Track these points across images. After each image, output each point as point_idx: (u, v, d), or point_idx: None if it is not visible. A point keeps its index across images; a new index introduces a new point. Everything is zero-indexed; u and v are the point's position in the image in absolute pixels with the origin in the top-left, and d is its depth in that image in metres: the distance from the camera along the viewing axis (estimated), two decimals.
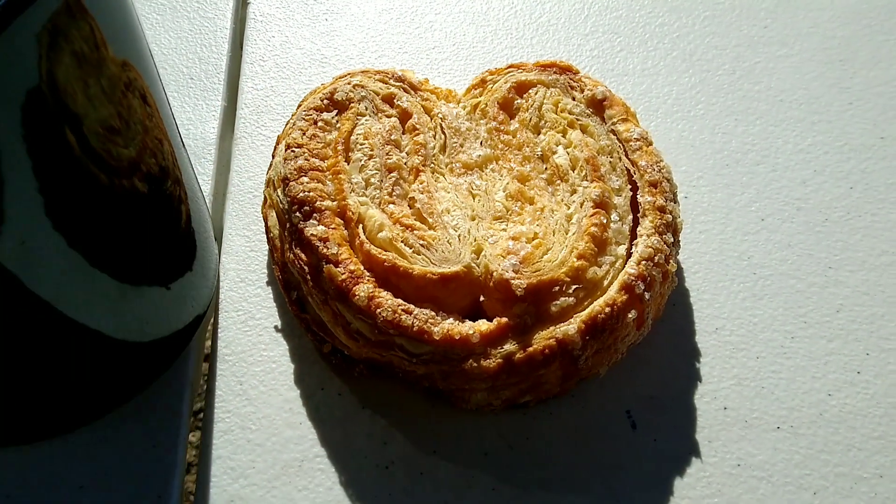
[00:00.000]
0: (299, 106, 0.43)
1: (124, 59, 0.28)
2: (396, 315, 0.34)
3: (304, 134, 0.40)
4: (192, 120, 0.47)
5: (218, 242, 0.42)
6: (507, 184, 0.39)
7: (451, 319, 0.35)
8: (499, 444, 0.36)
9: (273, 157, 0.42)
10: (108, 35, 0.27)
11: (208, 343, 0.39)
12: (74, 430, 0.35)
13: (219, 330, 0.39)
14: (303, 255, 0.37)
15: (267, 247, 0.42)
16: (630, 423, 0.37)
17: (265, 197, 0.41)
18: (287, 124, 0.42)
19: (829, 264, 0.42)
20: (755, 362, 0.38)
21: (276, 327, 0.39)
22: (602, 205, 0.38)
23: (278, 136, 0.42)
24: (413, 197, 0.38)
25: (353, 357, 0.37)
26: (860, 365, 0.38)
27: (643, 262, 0.36)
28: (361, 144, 0.40)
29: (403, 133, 0.41)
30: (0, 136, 0.25)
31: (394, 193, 0.39)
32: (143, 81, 0.30)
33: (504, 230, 0.38)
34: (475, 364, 0.34)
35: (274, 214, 0.40)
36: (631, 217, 0.39)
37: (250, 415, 0.36)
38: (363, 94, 0.42)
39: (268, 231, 0.40)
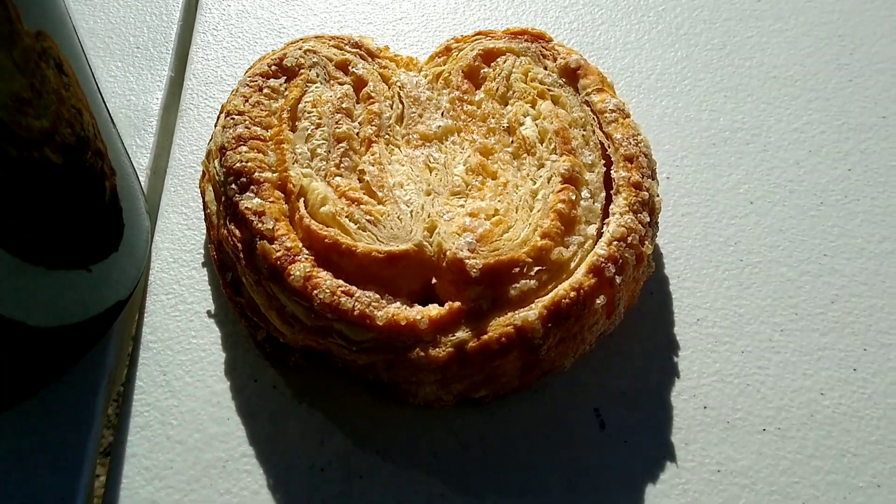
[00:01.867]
0: (246, 73, 0.39)
1: (39, 30, 0.26)
2: (335, 297, 0.31)
3: (246, 101, 0.36)
4: (136, 90, 0.43)
5: (153, 220, 0.38)
6: (469, 157, 0.36)
7: (397, 303, 0.31)
8: (450, 444, 0.32)
9: (215, 127, 0.38)
10: (21, 7, 0.25)
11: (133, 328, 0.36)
12: None
13: (145, 314, 0.35)
14: (237, 231, 0.33)
15: (204, 226, 0.38)
16: (598, 422, 0.33)
17: (203, 170, 0.37)
18: (232, 92, 0.38)
19: (824, 251, 0.38)
20: (740, 357, 0.35)
21: (208, 312, 0.35)
22: (571, 180, 0.34)
23: (222, 105, 0.38)
24: (363, 169, 0.35)
25: (288, 345, 0.33)
26: (856, 361, 0.35)
27: (615, 243, 0.33)
28: (309, 113, 0.36)
29: (357, 102, 0.38)
30: None
31: (342, 165, 0.35)
32: (60, 50, 0.28)
33: (462, 206, 0.34)
34: (423, 353, 0.30)
35: (212, 189, 0.36)
36: (604, 195, 0.35)
37: (172, 408, 0.32)
38: (315, 59, 0.38)
39: (205, 207, 0.37)
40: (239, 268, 0.33)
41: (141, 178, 0.40)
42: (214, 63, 0.45)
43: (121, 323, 0.35)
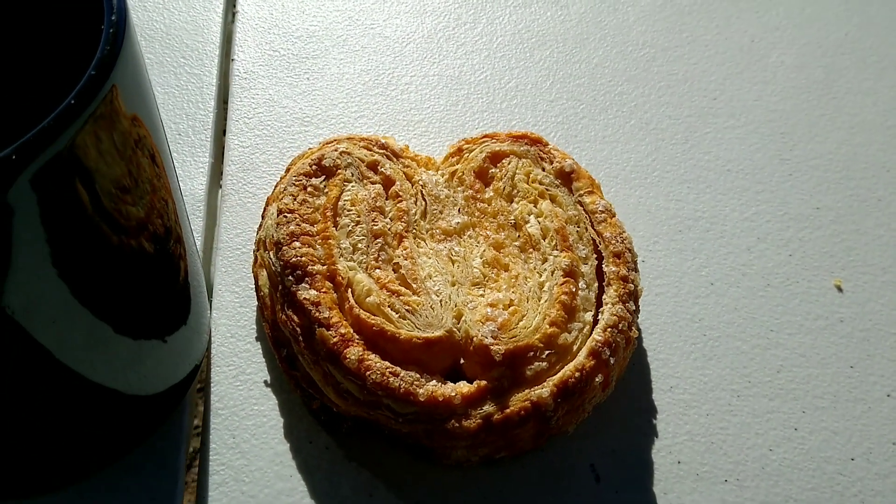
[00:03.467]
0: (288, 169, 0.45)
1: (134, 115, 0.29)
2: (385, 377, 0.37)
3: (294, 199, 0.43)
4: (182, 176, 0.49)
5: (209, 298, 0.44)
6: (484, 251, 0.43)
7: (434, 381, 0.38)
8: (475, 497, 0.39)
9: (263, 217, 0.44)
10: (122, 91, 0.27)
11: (202, 397, 0.42)
12: (76, 483, 0.37)
13: (211, 384, 0.41)
14: (295, 317, 0.39)
15: (255, 303, 0.44)
16: (594, 476, 0.40)
17: (256, 257, 0.44)
18: (277, 187, 0.45)
19: (771, 327, 0.46)
20: (705, 419, 0.42)
21: (265, 382, 0.42)
22: (571, 273, 0.41)
23: (268, 198, 0.45)
24: (397, 262, 0.41)
25: (341, 414, 0.39)
26: (797, 422, 0.43)
27: (609, 329, 0.40)
28: (349, 210, 0.43)
29: (387, 199, 0.44)
30: (12, 201, 0.25)
31: (379, 258, 0.41)
32: (152, 140, 0.31)
33: (482, 296, 0.41)
34: (457, 424, 0.37)
35: (265, 274, 0.43)
36: (597, 285, 0.42)
37: (243, 467, 0.39)
38: (349, 160, 0.45)
39: (258, 290, 0.43)
40: (297, 348, 0.40)
41: None
42: (250, 150, 0.51)
43: (192, 391, 0.40)
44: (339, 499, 0.38)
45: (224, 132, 0.52)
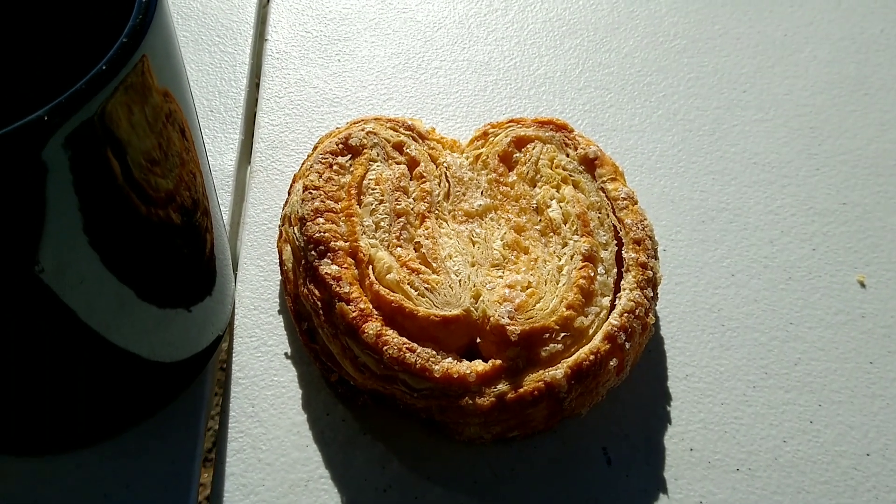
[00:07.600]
0: (315, 148, 0.46)
1: (165, 89, 0.30)
2: (401, 353, 0.38)
3: (320, 176, 0.43)
4: (212, 151, 0.50)
5: (234, 271, 0.45)
6: (505, 233, 0.43)
7: (449, 358, 0.38)
8: (487, 474, 0.39)
9: (289, 193, 0.45)
10: (153, 62, 0.28)
11: (223, 366, 0.43)
12: (100, 442, 0.38)
13: (233, 354, 0.42)
14: (316, 291, 0.40)
15: (279, 277, 0.45)
16: (606, 459, 0.40)
17: (281, 232, 0.45)
18: (303, 164, 0.45)
19: (790, 320, 0.46)
20: (720, 408, 0.43)
21: (286, 354, 0.42)
22: (590, 258, 0.42)
23: (295, 175, 0.45)
24: (419, 242, 0.42)
25: (358, 387, 0.40)
26: (813, 415, 0.43)
27: (625, 315, 0.40)
28: (373, 189, 0.43)
29: (411, 179, 0.45)
30: (46, 160, 0.26)
31: (401, 237, 0.42)
32: (182, 115, 0.32)
33: (501, 277, 0.41)
34: (470, 401, 0.38)
35: (289, 249, 0.43)
36: (616, 270, 0.42)
37: (261, 436, 0.40)
38: (375, 140, 0.46)
39: (282, 264, 0.44)
40: (317, 321, 0.41)
41: None
42: (279, 129, 0.52)
43: (214, 360, 0.41)
44: (352, 470, 0.39)
45: (255, 110, 0.53)
